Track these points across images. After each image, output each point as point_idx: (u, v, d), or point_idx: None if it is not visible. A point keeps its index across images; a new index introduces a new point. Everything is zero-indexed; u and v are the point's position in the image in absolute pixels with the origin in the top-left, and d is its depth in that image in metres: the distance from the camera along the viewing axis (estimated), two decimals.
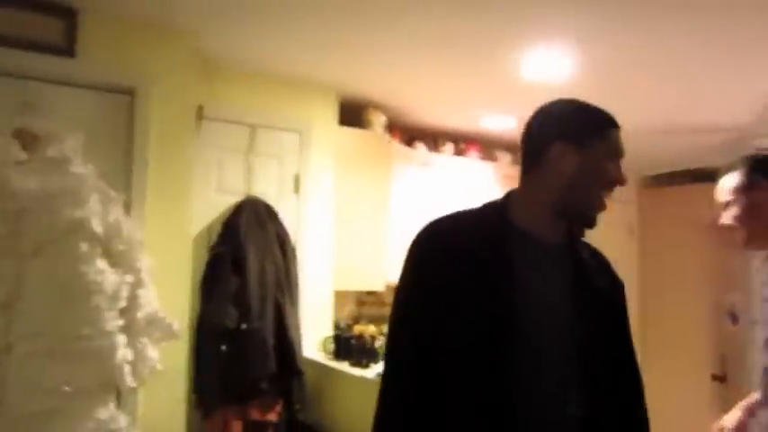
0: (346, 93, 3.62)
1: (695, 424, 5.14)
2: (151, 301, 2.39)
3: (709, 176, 5.49)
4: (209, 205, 3.20)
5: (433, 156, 4.30)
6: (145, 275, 2.39)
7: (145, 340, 2.35)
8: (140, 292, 2.35)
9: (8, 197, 2.10)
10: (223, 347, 2.85)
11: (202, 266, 3.02)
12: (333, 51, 3.04)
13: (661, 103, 3.69)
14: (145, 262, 2.42)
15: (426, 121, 4.27)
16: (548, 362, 1.19)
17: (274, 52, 3.07)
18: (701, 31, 2.65)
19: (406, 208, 4.00)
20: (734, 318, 5.26)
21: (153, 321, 2.37)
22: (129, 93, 2.66)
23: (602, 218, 4.19)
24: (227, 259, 3.00)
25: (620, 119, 4.03)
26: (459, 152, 4.49)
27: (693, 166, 4.94)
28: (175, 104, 2.77)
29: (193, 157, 2.89)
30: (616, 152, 1.32)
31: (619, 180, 1.32)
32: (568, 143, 1.27)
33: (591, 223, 1.32)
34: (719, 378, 5.13)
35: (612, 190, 1.33)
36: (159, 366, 2.41)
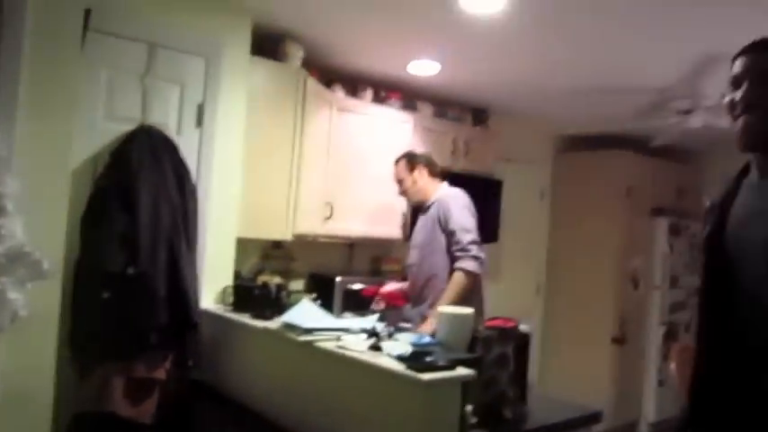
0: (263, 20, 3.25)
1: (594, 384, 5.27)
2: (15, 233, 2.00)
3: (622, 142, 5.57)
4: (96, 132, 2.76)
5: (351, 100, 4.02)
6: (8, 202, 2.00)
7: (5, 279, 1.96)
8: (2, 221, 1.96)
9: None
10: (105, 294, 2.48)
11: (84, 201, 2.62)
12: None
13: (584, 57, 3.57)
14: (11, 187, 2.03)
15: (347, 63, 3.97)
16: None
17: None
18: None
19: (319, 154, 3.72)
20: (635, 282, 5.38)
21: (17, 257, 1.99)
22: None
23: (516, 179, 4.16)
24: (115, 194, 2.61)
25: (543, 71, 3.88)
26: (379, 99, 4.23)
27: (610, 129, 4.93)
28: (56, 4, 2.33)
29: (78, 73, 2.47)
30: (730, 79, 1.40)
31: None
32: None
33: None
34: (619, 341, 5.25)
35: (732, 116, 1.38)
36: (24, 312, 2.04)
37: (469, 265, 3.02)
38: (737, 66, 1.38)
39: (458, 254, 3.05)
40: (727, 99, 1.39)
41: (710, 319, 1.42)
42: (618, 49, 3.37)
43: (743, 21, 2.82)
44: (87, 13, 2.51)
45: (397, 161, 3.42)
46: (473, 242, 3.07)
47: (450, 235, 3.11)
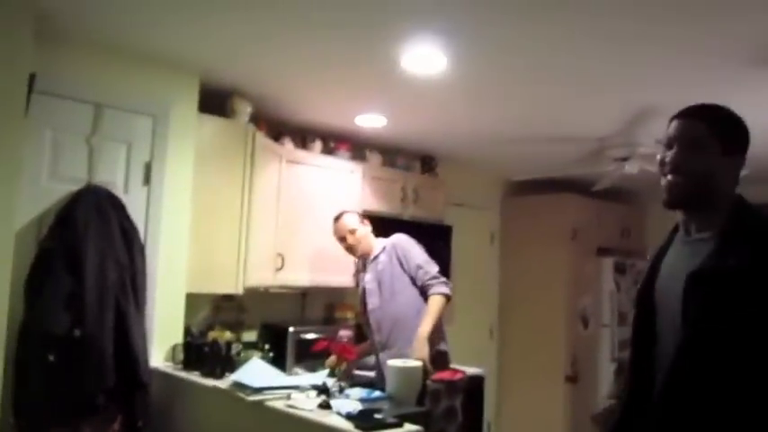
0: (210, 77, 3.30)
1: (549, 423, 5.34)
2: None
3: (568, 186, 5.75)
4: (41, 193, 2.76)
5: (301, 152, 4.09)
6: None
7: None
8: None
9: None
10: (51, 357, 2.45)
11: (29, 263, 2.59)
12: (197, 29, 2.72)
13: (524, 110, 3.73)
14: None
15: (296, 116, 4.04)
16: None
17: (130, 23, 2.69)
18: (565, 42, 2.67)
19: (269, 206, 3.75)
20: (585, 321, 5.51)
21: None
22: None
23: (466, 224, 4.31)
24: (60, 255, 2.60)
25: (486, 123, 4.06)
26: (328, 150, 4.31)
27: (554, 174, 5.10)
28: (1, 69, 2.34)
29: (22, 136, 2.46)
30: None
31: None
32: None
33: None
34: (571, 379, 5.34)
35: (661, 173, 1.50)
36: None
37: (444, 289, 3.19)
38: (671, 128, 1.49)
39: (430, 281, 3.21)
40: (658, 157, 1.51)
41: (637, 366, 1.52)
42: (555, 102, 3.54)
43: (670, 79, 3.03)
44: (32, 77, 2.53)
45: (341, 216, 3.48)
46: (439, 272, 3.28)
47: (416, 270, 3.26)
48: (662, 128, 4.06)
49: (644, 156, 4.08)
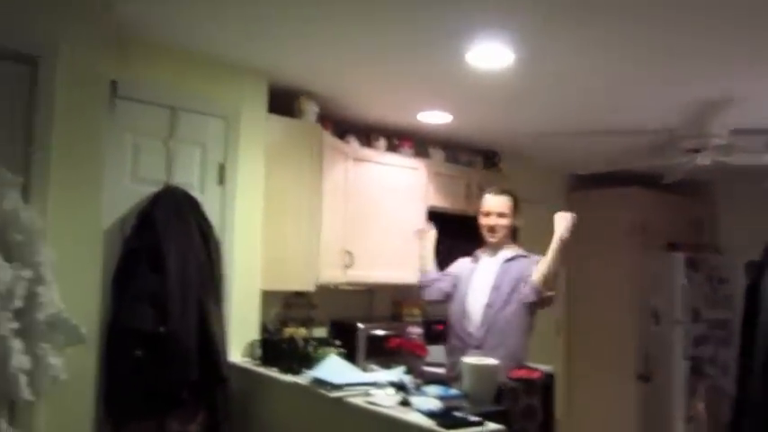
0: (278, 79, 3.37)
1: (621, 421, 5.22)
2: (53, 300, 2.08)
3: (635, 179, 5.59)
4: (123, 194, 2.86)
5: (366, 150, 4.12)
6: (46, 271, 2.08)
7: (46, 346, 2.04)
8: (40, 289, 2.04)
9: None
10: (138, 352, 2.55)
11: (114, 262, 2.70)
12: (265, 33, 2.79)
13: (592, 102, 3.66)
14: (47, 256, 2.11)
15: (360, 114, 4.07)
16: None
17: (201, 29, 2.79)
18: (635, 34, 2.61)
19: (336, 204, 3.80)
20: (656, 318, 5.36)
21: (56, 324, 2.06)
22: (31, 62, 2.31)
23: (531, 220, 4.06)
24: (144, 255, 2.70)
25: (553, 117, 4.01)
26: (391, 148, 4.33)
27: (622, 167, 4.98)
28: (85, 78, 2.44)
29: (105, 140, 2.57)
30: None
31: None
32: None
33: None
34: (644, 378, 5.22)
35: None
36: (63, 375, 2.10)
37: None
38: None
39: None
40: None
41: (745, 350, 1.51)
42: (625, 94, 3.46)
43: (739, 71, 2.98)
44: (114, 84, 2.64)
45: (505, 194, 3.21)
46: None
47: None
48: (736, 118, 3.94)
49: (717, 147, 3.94)
